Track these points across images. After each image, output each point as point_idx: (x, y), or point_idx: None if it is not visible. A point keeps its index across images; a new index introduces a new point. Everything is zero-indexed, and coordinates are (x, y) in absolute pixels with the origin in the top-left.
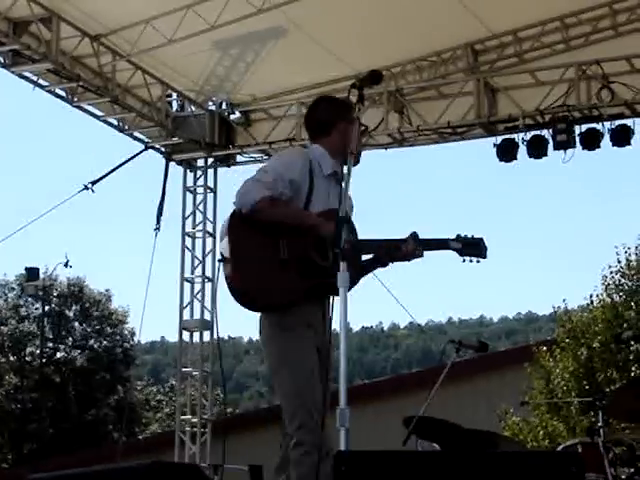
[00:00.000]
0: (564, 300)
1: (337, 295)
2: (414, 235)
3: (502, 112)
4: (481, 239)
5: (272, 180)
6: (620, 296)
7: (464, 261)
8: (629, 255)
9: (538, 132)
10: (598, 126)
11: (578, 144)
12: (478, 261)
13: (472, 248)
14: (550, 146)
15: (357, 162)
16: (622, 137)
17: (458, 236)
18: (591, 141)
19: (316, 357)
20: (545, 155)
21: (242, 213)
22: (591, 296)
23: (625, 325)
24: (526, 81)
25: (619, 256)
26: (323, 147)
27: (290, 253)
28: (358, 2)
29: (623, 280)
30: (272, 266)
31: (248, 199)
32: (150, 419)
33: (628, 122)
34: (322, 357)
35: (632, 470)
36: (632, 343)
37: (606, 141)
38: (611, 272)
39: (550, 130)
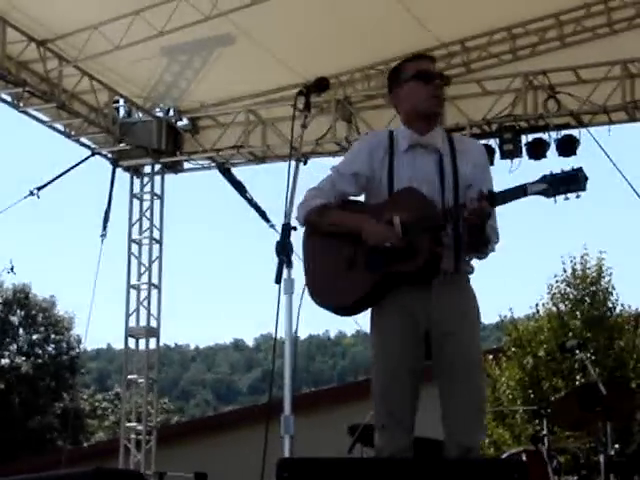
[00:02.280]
0: (510, 309)
1: (433, 277)
2: (480, 192)
3: (449, 121)
4: (579, 169)
5: (329, 183)
6: (566, 305)
7: (556, 202)
8: (575, 264)
9: (485, 141)
10: (544, 136)
11: (524, 154)
12: (578, 196)
13: (566, 183)
14: (497, 155)
15: (433, 122)
16: (568, 147)
17: (544, 176)
18: (537, 151)
19: (408, 350)
20: (492, 164)
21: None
22: (537, 305)
23: (570, 334)
24: (473, 90)
25: (565, 265)
26: (401, 121)
27: (355, 248)
28: (307, 10)
29: (569, 289)
30: (339, 266)
31: (299, 214)
32: (96, 427)
33: (574, 132)
34: (434, 344)
35: (576, 478)
36: (577, 352)
37: (552, 151)
38: (557, 281)
39: (497, 139)
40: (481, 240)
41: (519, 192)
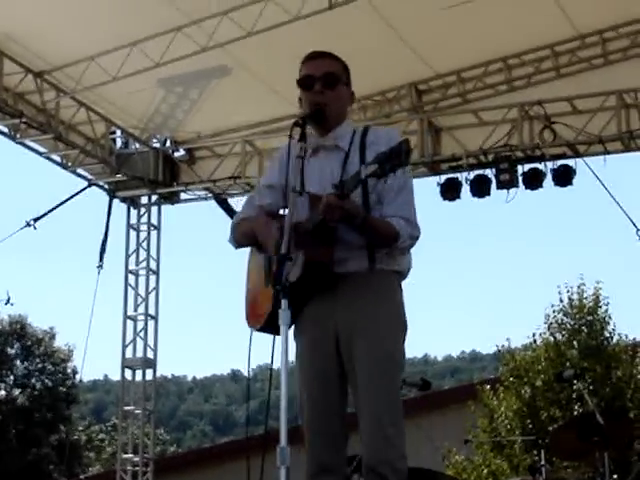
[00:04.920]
0: (507, 339)
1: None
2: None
3: (446, 151)
4: (404, 140)
5: (247, 201)
6: (563, 335)
7: (386, 182)
8: (571, 294)
9: (481, 171)
10: (540, 166)
11: (521, 184)
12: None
13: (390, 158)
14: (493, 185)
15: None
16: (564, 177)
17: (376, 156)
18: (533, 181)
19: (312, 368)
20: (488, 194)
21: None
22: (534, 335)
23: (568, 364)
24: (469, 121)
25: (561, 295)
26: None
27: (267, 265)
28: (302, 41)
29: (565, 319)
30: (262, 284)
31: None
32: (92, 459)
33: (570, 162)
34: (343, 350)
35: None
36: (574, 382)
37: (548, 181)
38: (554, 311)
39: (493, 169)
40: (370, 236)
41: (356, 178)
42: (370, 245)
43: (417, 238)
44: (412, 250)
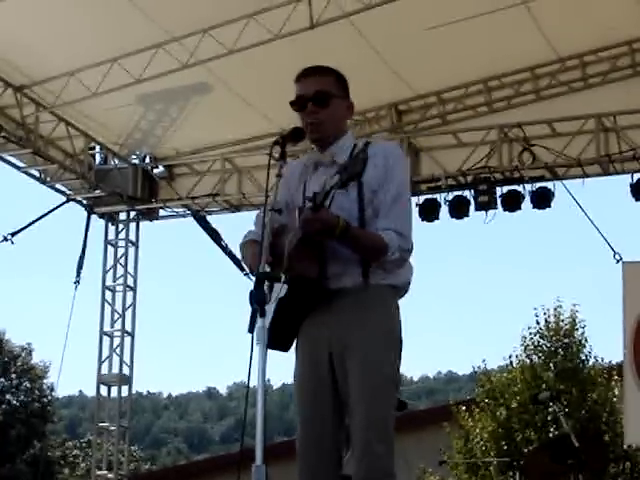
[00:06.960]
0: (484, 360)
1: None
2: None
3: (425, 172)
4: (360, 151)
5: (255, 220)
6: (539, 357)
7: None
8: (548, 317)
9: (460, 192)
10: (519, 188)
11: (499, 205)
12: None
13: (348, 170)
14: (472, 207)
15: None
16: (542, 199)
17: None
18: (512, 203)
19: (306, 386)
20: (467, 215)
21: None
22: (510, 357)
23: (543, 386)
24: (449, 142)
25: (538, 317)
26: None
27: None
28: (282, 60)
29: (542, 341)
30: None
31: None
32: (66, 475)
33: (548, 185)
34: (336, 365)
35: None
36: (550, 404)
37: (527, 203)
38: (530, 333)
39: (472, 191)
40: (355, 247)
41: (324, 189)
42: (364, 260)
43: (409, 251)
44: (412, 263)
